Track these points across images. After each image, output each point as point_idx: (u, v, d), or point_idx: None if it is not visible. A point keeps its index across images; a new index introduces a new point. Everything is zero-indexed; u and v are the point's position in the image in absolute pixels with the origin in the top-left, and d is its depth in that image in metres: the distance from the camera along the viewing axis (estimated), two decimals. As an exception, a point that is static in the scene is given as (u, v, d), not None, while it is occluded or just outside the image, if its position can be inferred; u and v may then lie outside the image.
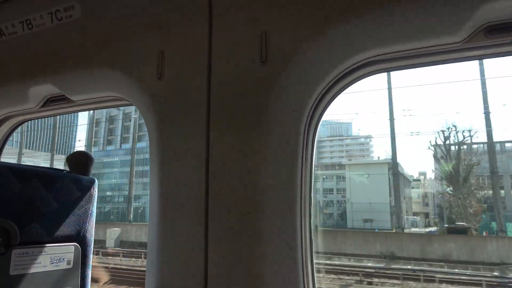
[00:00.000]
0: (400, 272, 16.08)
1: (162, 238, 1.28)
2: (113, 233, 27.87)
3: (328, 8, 1.15)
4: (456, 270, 17.06)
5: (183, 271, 1.23)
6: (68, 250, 1.22)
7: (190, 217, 1.25)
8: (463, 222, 29.22)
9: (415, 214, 45.81)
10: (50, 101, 1.87)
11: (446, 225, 30.23)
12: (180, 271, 1.24)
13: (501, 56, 1.12)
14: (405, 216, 37.35)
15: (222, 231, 1.19)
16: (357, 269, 16.66)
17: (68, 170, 1.32)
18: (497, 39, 1.08)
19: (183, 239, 1.25)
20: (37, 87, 1.75)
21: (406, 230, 28.94)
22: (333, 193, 49.34)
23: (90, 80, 1.61)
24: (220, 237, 1.19)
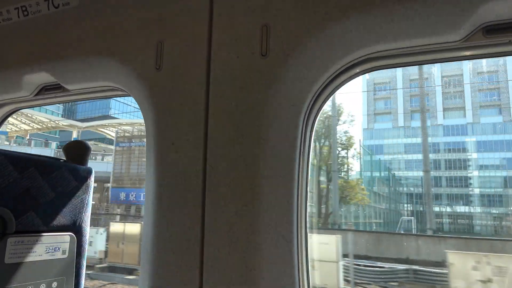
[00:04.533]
0: None
1: (158, 229, 1.28)
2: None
3: (329, 4, 1.15)
4: None
5: (179, 263, 1.24)
6: (64, 239, 1.22)
7: (186, 208, 1.25)
8: None
9: None
10: (45, 90, 1.84)
11: None
12: (176, 263, 1.24)
13: (499, 56, 1.14)
14: None
15: (218, 223, 1.20)
16: None
17: (65, 159, 1.31)
18: (495, 39, 1.09)
19: (179, 230, 1.25)
20: (31, 75, 1.72)
21: None
22: None
23: (87, 69, 1.59)
24: (217, 229, 1.20)
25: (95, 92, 1.75)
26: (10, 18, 1.69)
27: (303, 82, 1.21)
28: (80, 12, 1.55)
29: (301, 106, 1.21)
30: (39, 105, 2.04)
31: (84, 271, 1.31)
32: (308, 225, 1.26)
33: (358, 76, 1.29)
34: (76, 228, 1.26)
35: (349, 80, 1.28)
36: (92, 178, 1.33)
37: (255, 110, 1.21)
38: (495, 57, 1.15)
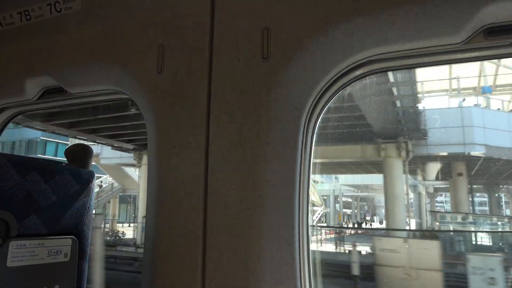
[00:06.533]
0: None
1: (160, 232, 1.29)
2: None
3: (330, 7, 1.16)
4: None
5: (180, 265, 1.24)
6: (66, 243, 1.22)
7: (188, 211, 1.25)
8: None
9: None
10: (47, 93, 1.85)
11: None
12: (178, 265, 1.24)
13: (500, 57, 1.14)
14: None
15: (220, 226, 1.20)
16: None
17: (67, 162, 1.31)
18: (496, 41, 1.09)
19: (181, 233, 1.25)
20: (34, 79, 1.73)
21: None
22: None
23: (89, 73, 1.60)
24: (218, 232, 1.20)
25: (98, 95, 1.76)
26: (13, 22, 1.71)
27: (304, 85, 1.21)
28: (82, 17, 1.56)
29: (303, 109, 1.21)
30: (41, 109, 2.05)
31: (86, 274, 1.31)
32: (310, 228, 1.26)
33: (359, 78, 1.29)
34: (78, 231, 1.27)
35: (350, 83, 1.28)
36: (94, 181, 1.34)
37: (257, 113, 1.21)
38: (497, 58, 1.15)
